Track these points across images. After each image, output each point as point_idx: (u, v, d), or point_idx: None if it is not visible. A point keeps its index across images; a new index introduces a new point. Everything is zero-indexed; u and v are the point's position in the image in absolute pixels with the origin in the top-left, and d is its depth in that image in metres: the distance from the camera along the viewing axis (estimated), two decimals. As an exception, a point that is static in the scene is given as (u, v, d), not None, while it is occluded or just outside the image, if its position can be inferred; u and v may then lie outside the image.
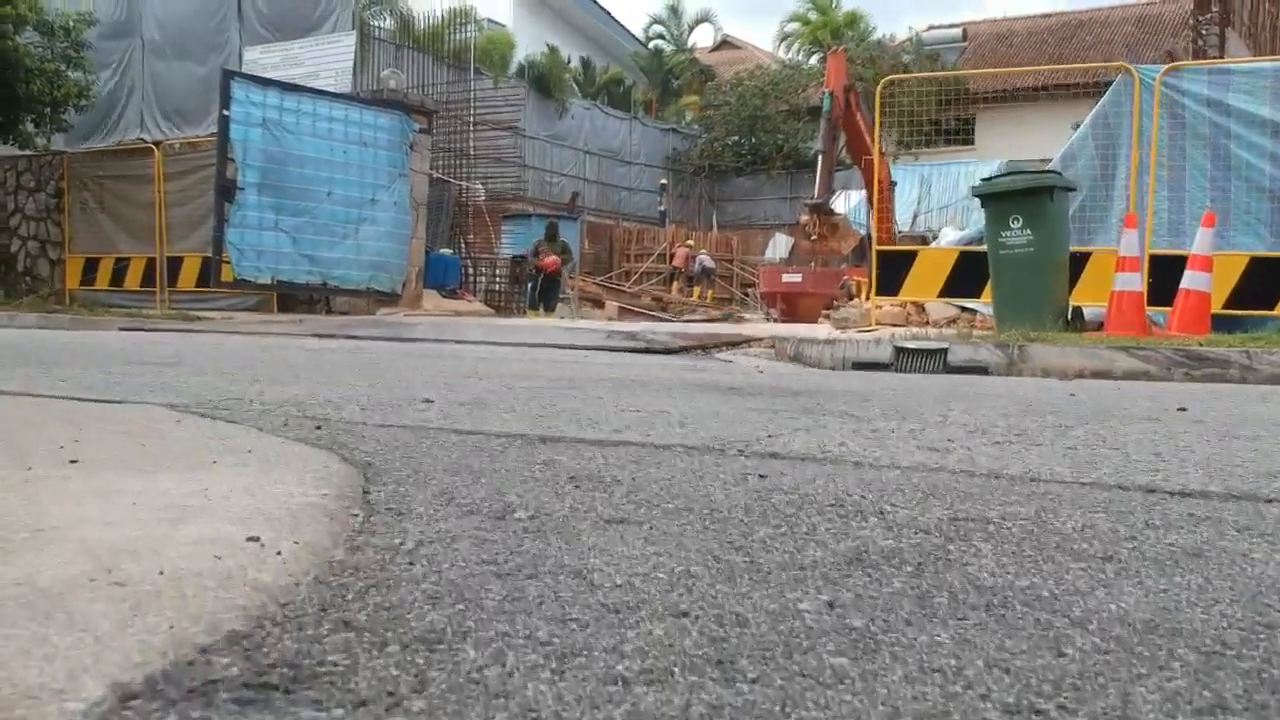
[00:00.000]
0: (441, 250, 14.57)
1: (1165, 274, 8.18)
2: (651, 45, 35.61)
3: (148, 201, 14.23)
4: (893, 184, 19.81)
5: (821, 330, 9.85)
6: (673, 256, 27.80)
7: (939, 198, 29.04)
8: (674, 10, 36.17)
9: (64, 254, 15.84)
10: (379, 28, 20.69)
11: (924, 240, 27.28)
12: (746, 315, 24.02)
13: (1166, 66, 9.03)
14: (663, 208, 30.58)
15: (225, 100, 11.70)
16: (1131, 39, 31.46)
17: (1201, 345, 6.57)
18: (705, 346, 8.41)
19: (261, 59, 14.38)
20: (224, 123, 11.71)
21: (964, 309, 10.23)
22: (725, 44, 40.77)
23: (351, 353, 4.94)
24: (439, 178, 14.72)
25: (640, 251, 29.10)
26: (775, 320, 22.21)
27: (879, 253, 9.98)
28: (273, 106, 12.04)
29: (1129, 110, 8.85)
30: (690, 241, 28.14)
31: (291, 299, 13.60)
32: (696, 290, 27.11)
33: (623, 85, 31.42)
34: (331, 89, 13.66)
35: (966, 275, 9.31)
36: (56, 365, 3.23)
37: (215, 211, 11.89)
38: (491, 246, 17.71)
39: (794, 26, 36.43)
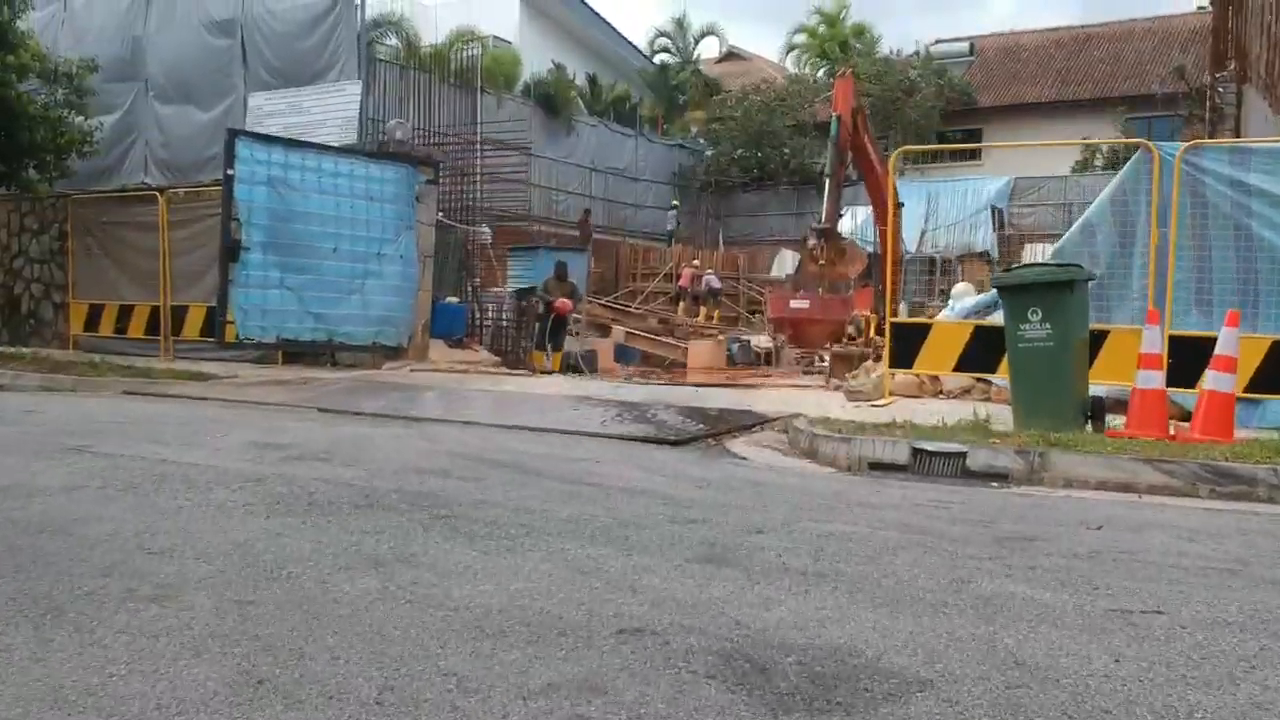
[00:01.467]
0: (448, 299, 14.46)
1: (1187, 356, 8.05)
2: (657, 59, 35.38)
3: (151, 248, 14.08)
4: (900, 205, 19.62)
5: (834, 402, 9.72)
6: (679, 276, 27.64)
7: (946, 215, 28.74)
8: (679, 24, 35.95)
9: (68, 298, 15.71)
10: (384, 46, 20.55)
11: (931, 262, 27.23)
12: (753, 337, 23.86)
13: (1186, 145, 8.88)
14: (671, 226, 30.42)
15: (229, 159, 11.56)
16: (1141, 54, 31.14)
17: (1228, 459, 6.42)
18: (717, 434, 8.31)
19: (266, 106, 14.23)
20: (229, 182, 11.57)
21: (979, 379, 10.10)
22: (731, 55, 40.52)
23: (362, 489, 4.83)
24: (445, 223, 14.58)
25: (646, 271, 28.94)
26: (782, 346, 22.12)
27: (893, 325, 9.86)
28: (277, 164, 11.89)
29: (1148, 187, 8.71)
30: (695, 261, 27.97)
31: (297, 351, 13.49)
32: (703, 311, 26.97)
33: (629, 102, 31.24)
34: (337, 137, 13.52)
35: (981, 350, 9.21)
36: (59, 608, 3.10)
37: (220, 271, 11.75)
38: (497, 283, 17.58)
39: (801, 39, 36.22)
